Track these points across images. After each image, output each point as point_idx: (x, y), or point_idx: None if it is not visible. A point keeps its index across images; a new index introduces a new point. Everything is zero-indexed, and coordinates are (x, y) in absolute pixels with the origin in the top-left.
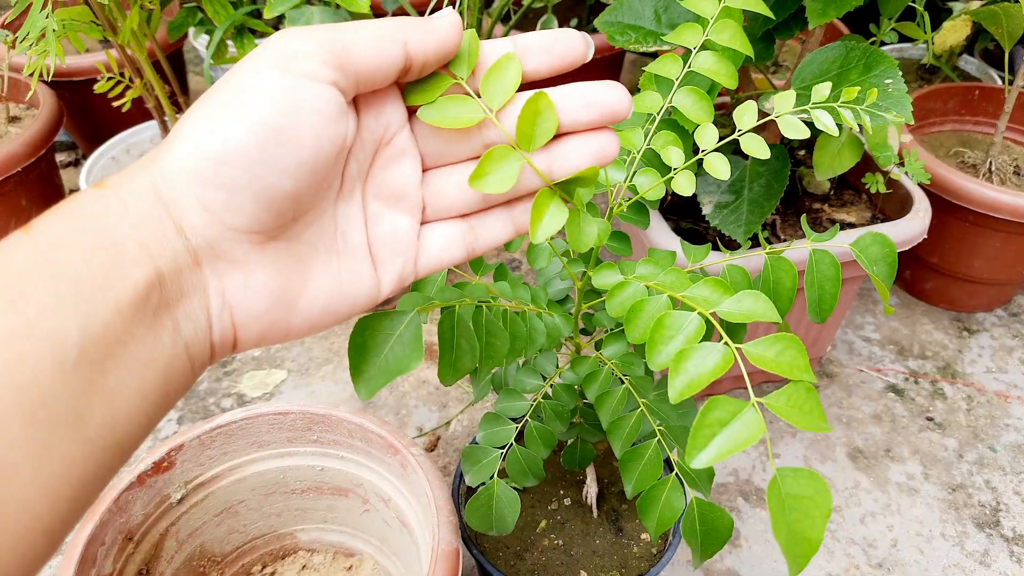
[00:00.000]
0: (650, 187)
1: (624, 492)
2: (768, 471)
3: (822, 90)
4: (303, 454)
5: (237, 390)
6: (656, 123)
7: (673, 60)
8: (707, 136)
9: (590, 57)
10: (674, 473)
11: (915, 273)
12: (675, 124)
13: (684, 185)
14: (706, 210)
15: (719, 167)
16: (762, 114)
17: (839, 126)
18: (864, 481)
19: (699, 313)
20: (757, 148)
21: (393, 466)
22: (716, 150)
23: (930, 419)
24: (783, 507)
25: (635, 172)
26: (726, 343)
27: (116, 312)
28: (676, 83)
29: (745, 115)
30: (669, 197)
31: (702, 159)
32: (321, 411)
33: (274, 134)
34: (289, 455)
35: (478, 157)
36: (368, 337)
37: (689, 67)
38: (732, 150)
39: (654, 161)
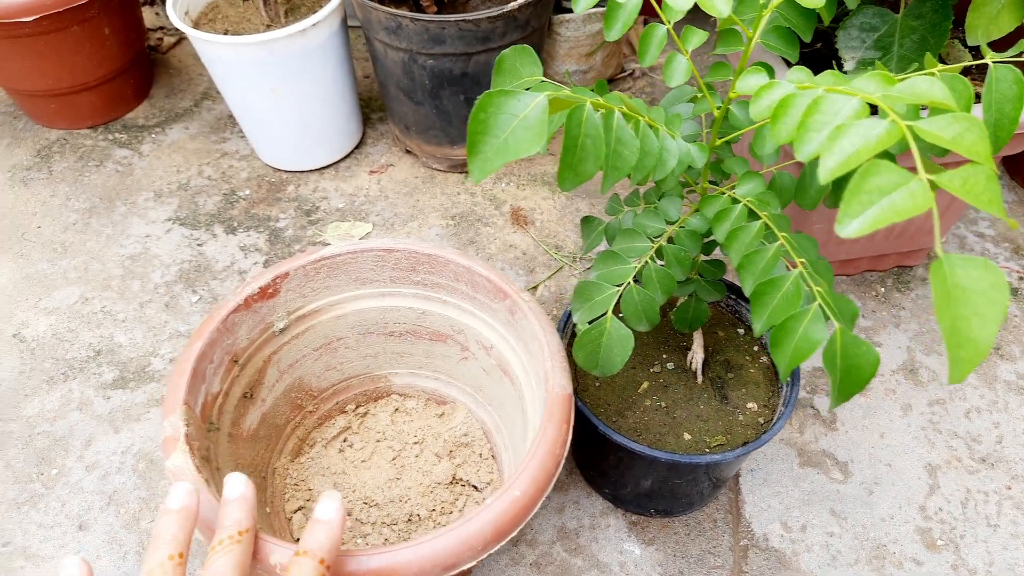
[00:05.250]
0: None
1: (729, 362)
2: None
3: None
4: (405, 295)
5: (322, 239)
6: None
7: None
8: None
9: None
10: (816, 303)
11: None
12: None
13: None
14: (848, 67)
15: None
16: None
17: None
18: (971, 377)
19: (860, 98)
20: None
21: (499, 312)
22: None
23: None
24: (948, 299)
25: None
26: (893, 120)
27: None
28: None
29: None
30: None
31: None
32: (428, 250)
33: None
34: (391, 295)
35: None
36: (492, 114)
37: None
38: None
39: None
